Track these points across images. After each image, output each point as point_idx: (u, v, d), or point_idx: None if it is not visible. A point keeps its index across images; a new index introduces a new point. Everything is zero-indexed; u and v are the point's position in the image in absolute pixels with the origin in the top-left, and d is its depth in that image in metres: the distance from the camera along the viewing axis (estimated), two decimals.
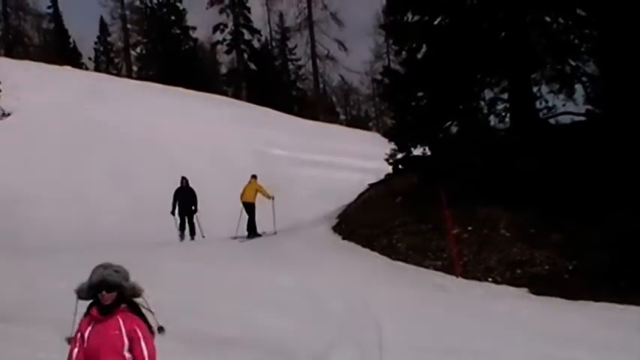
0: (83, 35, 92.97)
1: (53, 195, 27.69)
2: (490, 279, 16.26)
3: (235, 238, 22.06)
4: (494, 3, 20.04)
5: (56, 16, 74.08)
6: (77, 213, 26.73)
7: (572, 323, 12.64)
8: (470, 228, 18.04)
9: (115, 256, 17.55)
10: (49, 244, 21.67)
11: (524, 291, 15.35)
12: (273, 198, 22.72)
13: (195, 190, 23.32)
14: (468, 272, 16.59)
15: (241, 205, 22.63)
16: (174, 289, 13.17)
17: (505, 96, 20.89)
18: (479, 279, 16.29)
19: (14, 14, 70.81)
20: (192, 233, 22.83)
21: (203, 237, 22.87)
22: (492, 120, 21.11)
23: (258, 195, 22.64)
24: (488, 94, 20.97)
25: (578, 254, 16.02)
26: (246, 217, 22.54)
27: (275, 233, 22.52)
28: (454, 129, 20.94)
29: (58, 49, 69.65)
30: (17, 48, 67.76)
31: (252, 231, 22.45)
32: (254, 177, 23.36)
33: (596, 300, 14.17)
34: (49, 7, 73.48)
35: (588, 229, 16.22)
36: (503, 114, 20.98)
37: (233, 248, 20.53)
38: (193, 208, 22.94)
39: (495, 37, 20.22)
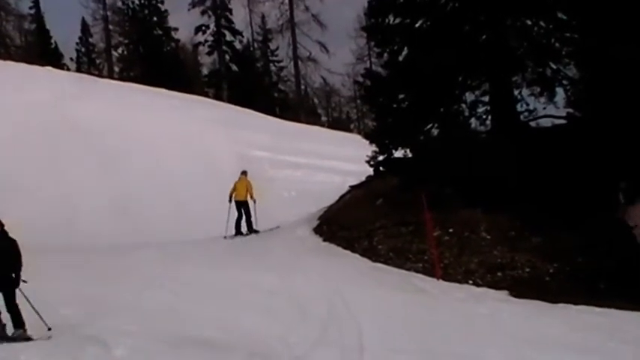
0: (65, 36, 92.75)
1: (34, 198, 27.50)
2: (471, 282, 16.27)
3: (225, 237, 22.10)
4: (474, 6, 20.08)
5: (38, 17, 73.78)
6: (59, 215, 26.55)
7: (551, 326, 12.68)
8: (450, 230, 18.07)
9: (93, 258, 17.58)
10: (28, 245, 21.51)
11: (504, 294, 15.37)
12: (255, 201, 22.83)
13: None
14: (449, 275, 16.60)
15: (231, 205, 22.69)
16: (154, 291, 13.15)
17: (486, 99, 20.93)
18: (459, 282, 16.30)
19: None
20: None
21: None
22: (473, 122, 21.15)
23: None
24: (469, 96, 21.01)
25: (559, 257, 16.09)
26: (235, 215, 22.63)
27: (253, 233, 22.60)
28: (435, 131, 20.92)
29: (40, 50, 69.35)
30: None
31: (250, 228, 22.61)
32: (244, 173, 23.46)
33: (576, 303, 14.20)
34: (30, 8, 73.20)
35: (569, 232, 16.28)
36: (484, 117, 21.03)
37: (215, 249, 20.48)
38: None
39: (476, 40, 20.24)
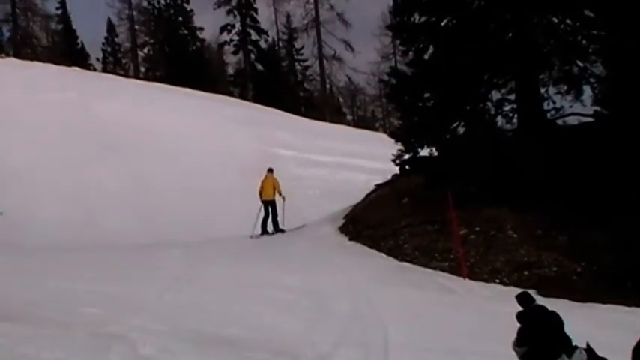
0: (91, 36, 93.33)
1: (57, 194, 27.69)
2: (497, 280, 16.21)
3: (251, 237, 22.13)
4: (501, 4, 20.00)
5: (64, 18, 74.43)
6: (81, 212, 26.72)
7: (578, 325, 12.47)
8: (477, 229, 18.01)
9: (116, 256, 17.66)
10: (54, 244, 21.70)
11: (531, 292, 15.26)
12: (284, 198, 22.80)
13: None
14: (475, 274, 16.55)
15: (260, 204, 22.72)
16: (179, 290, 13.19)
17: (512, 97, 20.85)
18: (485, 280, 16.25)
19: (23, 15, 71.08)
20: None
21: None
22: (499, 121, 21.09)
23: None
24: (495, 95, 20.96)
25: (586, 256, 15.98)
26: (262, 214, 22.69)
27: (279, 232, 22.64)
28: (461, 130, 20.89)
29: (66, 50, 69.86)
30: (26, 49, 67.90)
31: (276, 227, 22.64)
32: (270, 171, 23.42)
33: (603, 302, 14.12)
34: (57, 9, 73.99)
35: (595, 230, 16.17)
36: (511, 115, 20.95)
37: (239, 248, 20.50)
38: None
39: (502, 38, 20.18)
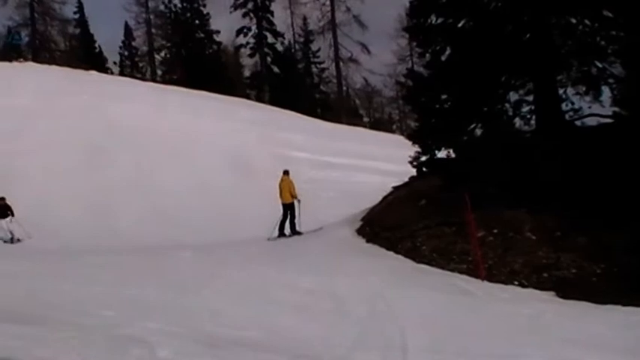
0: (108, 40, 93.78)
1: (74, 197, 27.82)
2: (515, 282, 16.10)
3: (268, 239, 22.16)
4: (518, 5, 19.90)
5: (82, 22, 74.95)
6: (97, 215, 26.83)
7: (598, 327, 12.48)
8: (494, 231, 17.91)
9: (133, 259, 17.71)
10: (69, 247, 21.78)
11: (550, 294, 15.18)
12: (299, 201, 22.85)
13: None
14: (493, 275, 16.45)
15: (281, 207, 22.82)
16: (196, 293, 13.17)
17: (530, 98, 20.75)
18: (504, 282, 16.13)
19: (41, 20, 71.52)
20: None
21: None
22: (517, 122, 21.00)
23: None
24: (513, 96, 20.88)
25: (605, 258, 15.85)
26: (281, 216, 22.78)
27: (296, 235, 22.65)
28: (478, 131, 20.81)
29: (84, 54, 70.24)
30: (44, 53, 68.29)
31: (293, 229, 22.67)
32: (286, 173, 23.49)
33: (623, 304, 13.98)
34: (75, 13, 74.58)
35: (615, 232, 16.04)
36: (529, 116, 20.86)
37: (257, 250, 20.50)
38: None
39: (520, 39, 20.07)
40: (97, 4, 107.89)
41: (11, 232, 24.67)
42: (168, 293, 12.86)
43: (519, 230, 17.67)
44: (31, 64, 49.19)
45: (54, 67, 48.03)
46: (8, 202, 25.57)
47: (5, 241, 24.42)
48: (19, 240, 24.35)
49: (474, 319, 13.02)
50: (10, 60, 48.10)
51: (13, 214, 25.21)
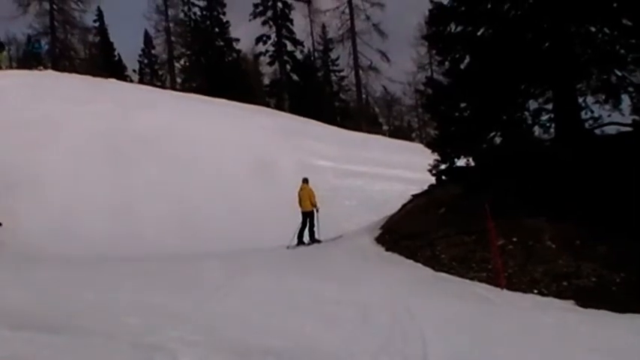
0: (128, 48, 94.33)
1: (98, 206, 27.98)
2: (535, 291, 16.11)
3: (287, 247, 22.26)
4: (538, 14, 19.92)
5: (102, 30, 75.49)
6: (122, 224, 26.96)
7: (618, 336, 12.50)
8: (514, 239, 17.90)
9: (159, 267, 17.79)
10: (92, 254, 21.93)
11: (570, 303, 15.19)
12: (317, 209, 22.93)
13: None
14: (513, 284, 16.46)
15: (300, 215, 22.93)
16: (218, 301, 13.27)
17: (550, 106, 20.75)
18: (524, 291, 16.15)
19: (61, 28, 72.07)
20: None
21: None
22: (537, 130, 21.02)
23: None
24: (532, 104, 20.89)
25: (626, 266, 15.85)
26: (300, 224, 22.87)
27: (315, 243, 22.73)
28: (498, 140, 20.83)
29: (103, 62, 70.72)
30: (64, 61, 68.82)
31: (312, 237, 22.75)
32: (305, 181, 23.58)
33: None
34: (94, 21, 75.02)
35: (635, 241, 16.03)
36: (548, 124, 20.87)
37: (277, 259, 20.59)
38: None
39: (539, 47, 20.09)
40: (117, 13, 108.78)
41: None
42: (191, 301, 12.96)
43: (539, 239, 17.67)
44: (51, 72, 49.57)
45: (74, 75, 48.38)
46: None
47: None
48: None
49: (496, 327, 13.04)
50: (30, 68, 48.50)
51: None
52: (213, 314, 12.25)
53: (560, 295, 15.73)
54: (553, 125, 20.76)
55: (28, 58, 59.21)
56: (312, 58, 76.86)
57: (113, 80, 50.66)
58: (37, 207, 26.14)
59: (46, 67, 51.60)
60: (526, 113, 20.85)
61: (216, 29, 74.03)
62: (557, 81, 20.10)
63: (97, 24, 75.64)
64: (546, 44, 20.21)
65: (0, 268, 18.05)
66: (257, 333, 11.10)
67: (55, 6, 71.15)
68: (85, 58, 74.33)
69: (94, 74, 51.08)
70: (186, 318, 11.72)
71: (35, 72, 46.11)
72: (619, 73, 19.83)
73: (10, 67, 54.90)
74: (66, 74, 49.05)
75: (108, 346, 9.51)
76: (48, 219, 25.49)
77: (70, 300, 12.55)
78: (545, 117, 20.83)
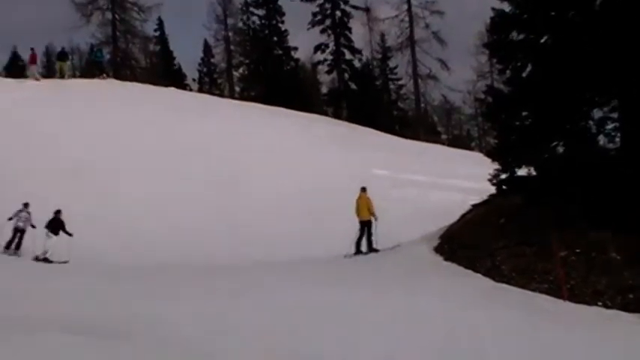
0: (188, 57, 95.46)
1: (150, 213, 28.19)
2: (599, 303, 15.76)
3: (345, 256, 22.15)
4: (604, 20, 19.51)
5: (162, 39, 76.58)
6: (177, 230, 27.07)
7: None
8: (577, 251, 17.52)
9: (213, 276, 17.74)
10: (150, 262, 22.08)
11: (637, 316, 14.82)
12: (376, 218, 22.79)
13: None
14: (575, 296, 16.13)
15: (358, 224, 22.82)
16: (274, 311, 13.20)
17: (615, 115, 20.29)
18: (587, 303, 15.81)
19: (123, 37, 73.20)
20: None
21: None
22: (602, 140, 20.54)
23: None
24: (597, 113, 20.43)
25: None
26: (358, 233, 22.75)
27: (373, 252, 22.58)
28: (560, 149, 20.45)
29: (163, 71, 71.66)
30: (125, 70, 69.89)
31: (370, 247, 22.63)
32: (364, 190, 23.46)
33: None
34: (155, 30, 76.07)
35: None
36: (613, 134, 20.38)
37: (335, 268, 20.47)
38: None
39: (604, 55, 19.66)
40: (177, 22, 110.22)
41: (46, 249, 22.79)
42: (248, 311, 12.93)
43: (603, 250, 17.27)
44: (113, 80, 50.35)
45: (135, 84, 49.09)
46: (63, 217, 23.95)
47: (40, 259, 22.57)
48: (45, 259, 22.38)
49: (559, 340, 12.75)
50: (92, 76, 49.30)
51: (68, 233, 23.44)
52: (269, 324, 12.19)
53: (625, 307, 15.36)
54: (619, 135, 20.28)
55: (91, 67, 60.16)
56: (371, 66, 76.68)
57: (173, 89, 51.24)
58: (114, 216, 26.53)
59: (108, 76, 52.36)
60: (590, 122, 20.40)
61: (275, 38, 74.31)
62: (623, 89, 19.63)
63: (157, 33, 76.79)
64: (612, 51, 19.77)
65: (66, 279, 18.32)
66: (313, 345, 11.00)
67: (117, 16, 72.36)
68: (146, 67, 75.38)
69: (155, 83, 51.77)
70: (243, 328, 11.68)
71: (97, 80, 46.84)
72: None
73: (73, 76, 55.88)
74: (127, 83, 49.83)
75: (163, 355, 9.54)
76: (117, 229, 25.76)
77: (127, 309, 12.64)
78: (610, 126, 20.34)
